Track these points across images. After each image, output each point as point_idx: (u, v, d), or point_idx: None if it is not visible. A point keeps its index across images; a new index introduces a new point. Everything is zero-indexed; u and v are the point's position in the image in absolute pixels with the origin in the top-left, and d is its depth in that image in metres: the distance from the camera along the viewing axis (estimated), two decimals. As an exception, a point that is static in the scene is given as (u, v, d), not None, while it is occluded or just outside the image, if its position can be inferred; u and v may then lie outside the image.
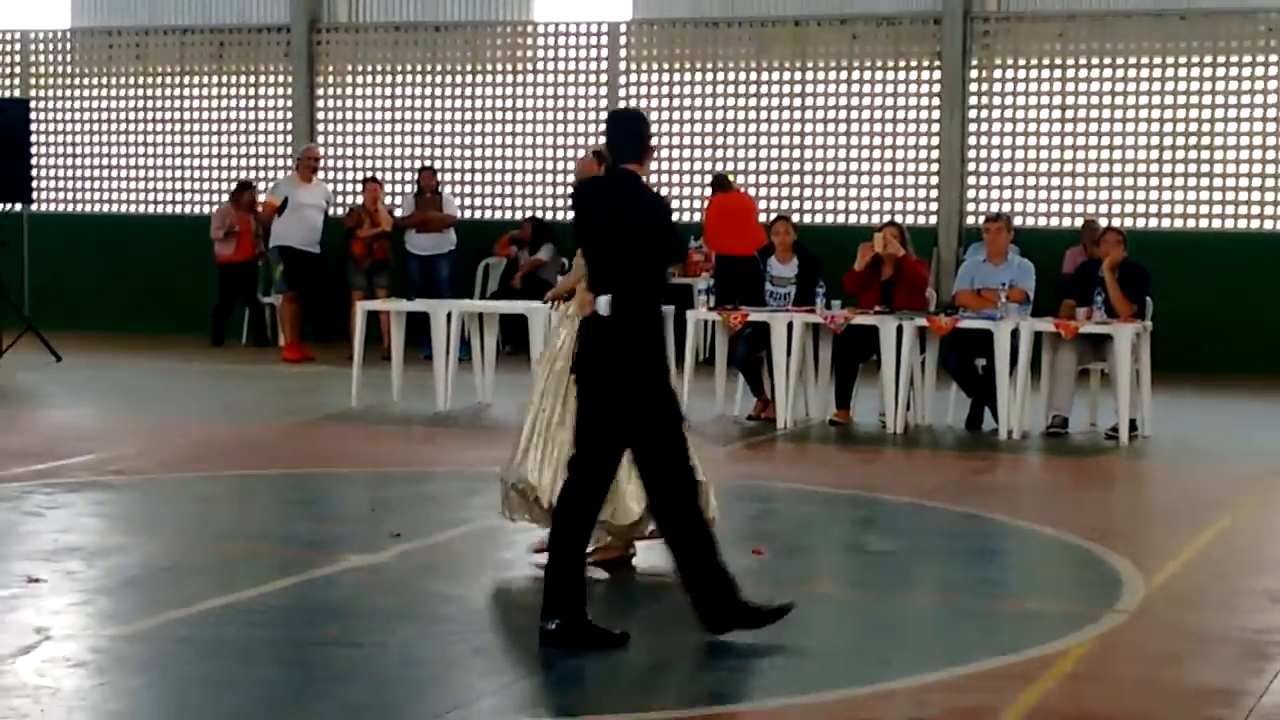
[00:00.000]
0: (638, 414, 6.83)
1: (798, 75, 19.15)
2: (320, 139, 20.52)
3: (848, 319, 13.04)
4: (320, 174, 18.65)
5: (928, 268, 14.56)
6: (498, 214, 20.13)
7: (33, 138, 19.08)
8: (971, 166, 18.70)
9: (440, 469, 11.17)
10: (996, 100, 18.66)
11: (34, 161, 19.37)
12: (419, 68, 20.47)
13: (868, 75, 18.95)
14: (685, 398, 13.22)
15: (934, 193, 18.76)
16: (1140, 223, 17.97)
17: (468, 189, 20.25)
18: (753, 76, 19.31)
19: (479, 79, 20.28)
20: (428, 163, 19.56)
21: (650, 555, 8.33)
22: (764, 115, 19.13)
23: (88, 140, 21.71)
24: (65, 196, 21.86)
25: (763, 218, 16.71)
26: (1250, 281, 17.67)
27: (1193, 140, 18.04)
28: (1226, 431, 13.78)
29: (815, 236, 16.17)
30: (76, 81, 21.75)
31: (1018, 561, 9.01)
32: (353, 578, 7.91)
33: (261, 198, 19.27)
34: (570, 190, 7.47)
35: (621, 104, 19.71)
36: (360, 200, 18.81)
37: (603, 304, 6.81)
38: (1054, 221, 18.47)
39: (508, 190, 20.21)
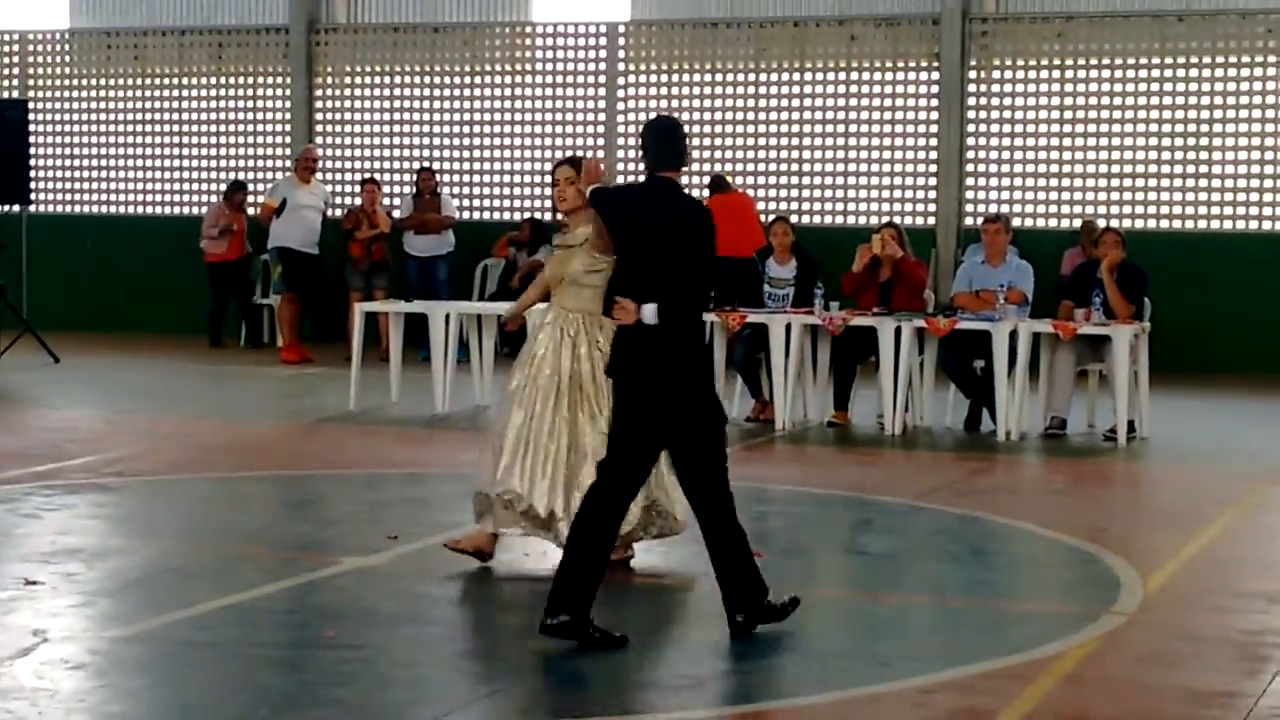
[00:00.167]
0: (682, 420, 6.85)
1: (796, 76, 19.16)
2: (319, 140, 20.52)
3: (846, 320, 13.04)
4: (319, 175, 18.65)
5: (926, 269, 14.56)
6: (496, 215, 20.13)
7: (31, 139, 19.08)
8: (970, 167, 18.71)
9: (438, 471, 11.17)
10: (995, 101, 18.66)
11: (32, 163, 19.36)
12: (417, 69, 20.47)
13: (866, 76, 18.95)
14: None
15: (932, 194, 18.76)
16: (1139, 224, 17.98)
17: (466, 190, 20.25)
18: (751, 77, 19.31)
19: (477, 80, 20.29)
20: (426, 164, 19.56)
21: (649, 557, 8.34)
22: (762, 116, 19.13)
23: (86, 141, 21.70)
24: (64, 198, 21.86)
25: (761, 219, 16.71)
26: (1248, 282, 17.68)
27: (1191, 141, 18.05)
28: (1225, 433, 13.78)
29: (813, 237, 16.16)
30: (75, 82, 21.75)
31: (1016, 563, 9.01)
32: (350, 580, 7.91)
33: (257, 199, 19.29)
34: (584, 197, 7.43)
35: (620, 105, 19.73)
36: (358, 201, 18.81)
37: (649, 312, 6.79)
38: (1052, 223, 18.48)
39: (506, 191, 20.21)
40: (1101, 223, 16.82)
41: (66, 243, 21.31)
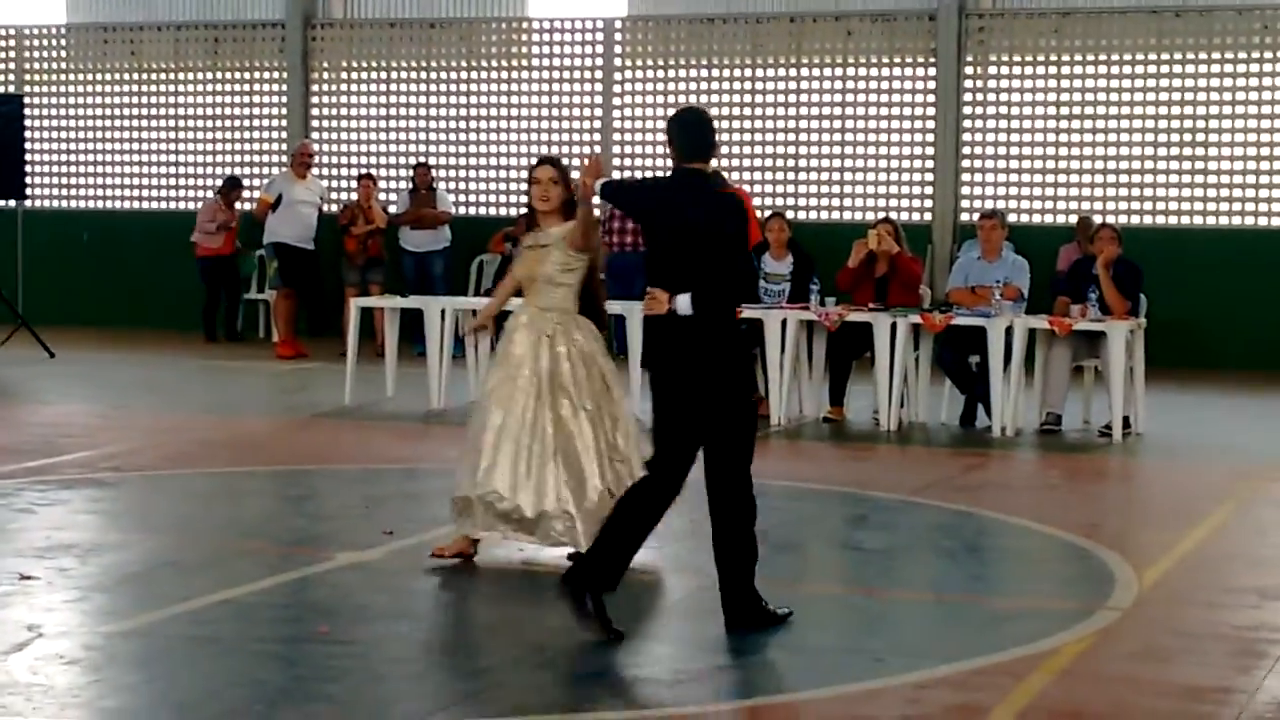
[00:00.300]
0: (713, 414, 6.86)
1: (792, 71, 19.16)
2: (314, 135, 20.51)
3: (842, 316, 13.04)
4: (314, 170, 18.65)
5: (922, 265, 14.56)
6: (492, 210, 20.13)
7: (27, 134, 19.08)
8: (966, 163, 18.72)
9: (433, 466, 11.16)
10: (991, 97, 18.67)
11: (28, 158, 19.36)
12: (414, 64, 20.46)
13: (862, 71, 18.96)
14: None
15: (928, 189, 18.77)
16: (1135, 219, 17.99)
17: (462, 185, 20.25)
18: (747, 73, 19.31)
19: (474, 75, 20.29)
20: (422, 159, 19.55)
21: (643, 554, 8.33)
22: (759, 112, 19.13)
23: (82, 136, 21.70)
24: (59, 193, 21.84)
25: (757, 214, 16.71)
26: (1244, 278, 17.69)
27: (1187, 137, 18.06)
28: (1220, 428, 13.79)
29: (809, 233, 16.17)
30: (71, 77, 21.75)
31: (1011, 558, 9.01)
32: (345, 575, 7.91)
33: (253, 195, 19.29)
34: (600, 188, 7.44)
35: (616, 100, 19.73)
36: (354, 197, 18.81)
37: (683, 303, 6.81)
38: (1048, 218, 18.50)
39: (502, 187, 20.21)
40: (1097, 218, 16.85)
41: (62, 238, 21.31)
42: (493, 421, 7.97)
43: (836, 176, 19.03)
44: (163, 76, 21.36)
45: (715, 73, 19.42)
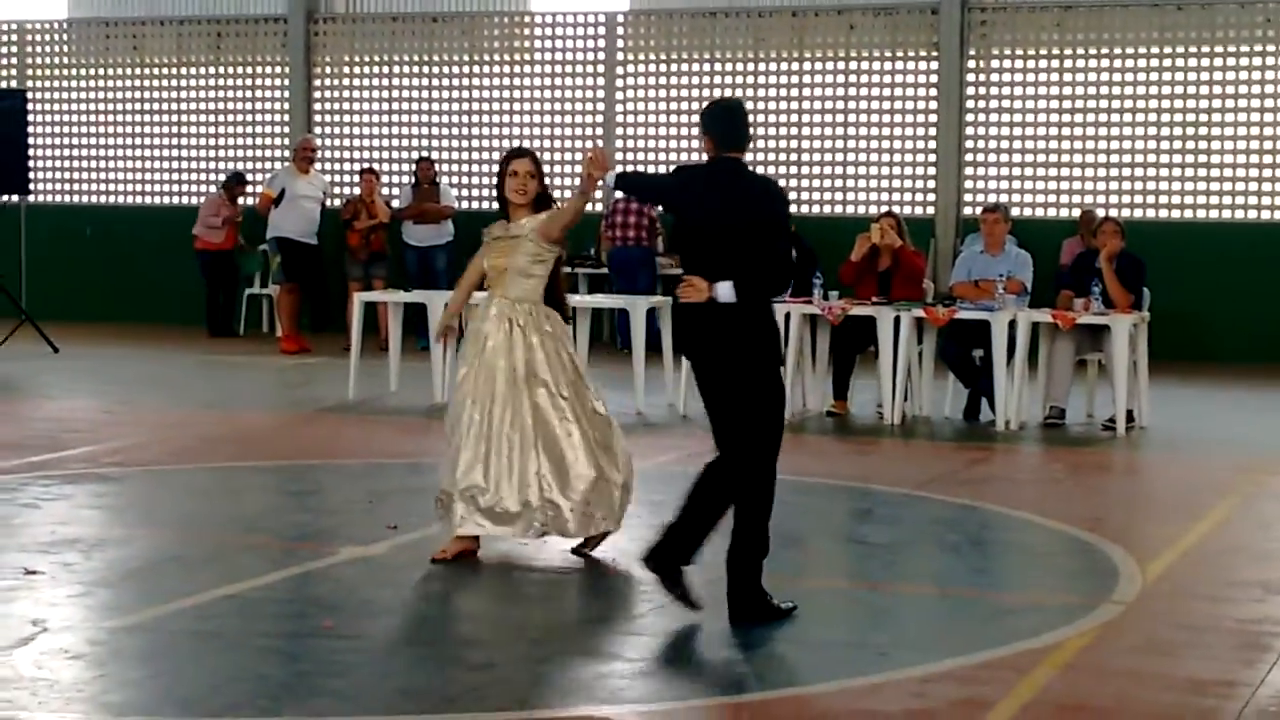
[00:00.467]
0: (753, 399, 6.94)
1: (795, 65, 19.16)
2: (317, 130, 20.51)
3: (845, 310, 13.04)
4: (317, 165, 18.64)
5: (925, 258, 14.56)
6: (495, 205, 20.05)
7: (30, 129, 19.07)
8: (969, 157, 18.71)
9: (437, 460, 11.13)
10: (994, 90, 18.66)
11: (31, 153, 19.36)
12: (416, 58, 20.46)
13: (865, 65, 18.96)
14: (684, 388, 13.29)
15: (931, 183, 18.76)
16: (1138, 213, 17.99)
17: (465, 180, 20.24)
18: (750, 67, 19.31)
19: (476, 69, 20.29)
20: (425, 154, 19.55)
21: (640, 547, 8.33)
22: (761, 105, 19.12)
23: (85, 131, 21.71)
24: (62, 188, 21.85)
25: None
26: (1248, 272, 17.69)
27: (1190, 131, 18.05)
28: (1223, 422, 13.79)
29: (813, 227, 16.17)
30: (73, 72, 21.74)
31: (1015, 553, 9.01)
32: (349, 570, 7.92)
33: (255, 190, 19.30)
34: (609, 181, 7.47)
35: (619, 94, 19.73)
36: (357, 191, 18.81)
37: (725, 290, 6.85)
38: (1051, 212, 18.49)
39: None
40: (1100, 212, 16.84)
41: (65, 233, 21.31)
42: (469, 415, 7.94)
43: (839, 170, 19.03)
44: (165, 71, 21.36)
45: (718, 66, 19.41)
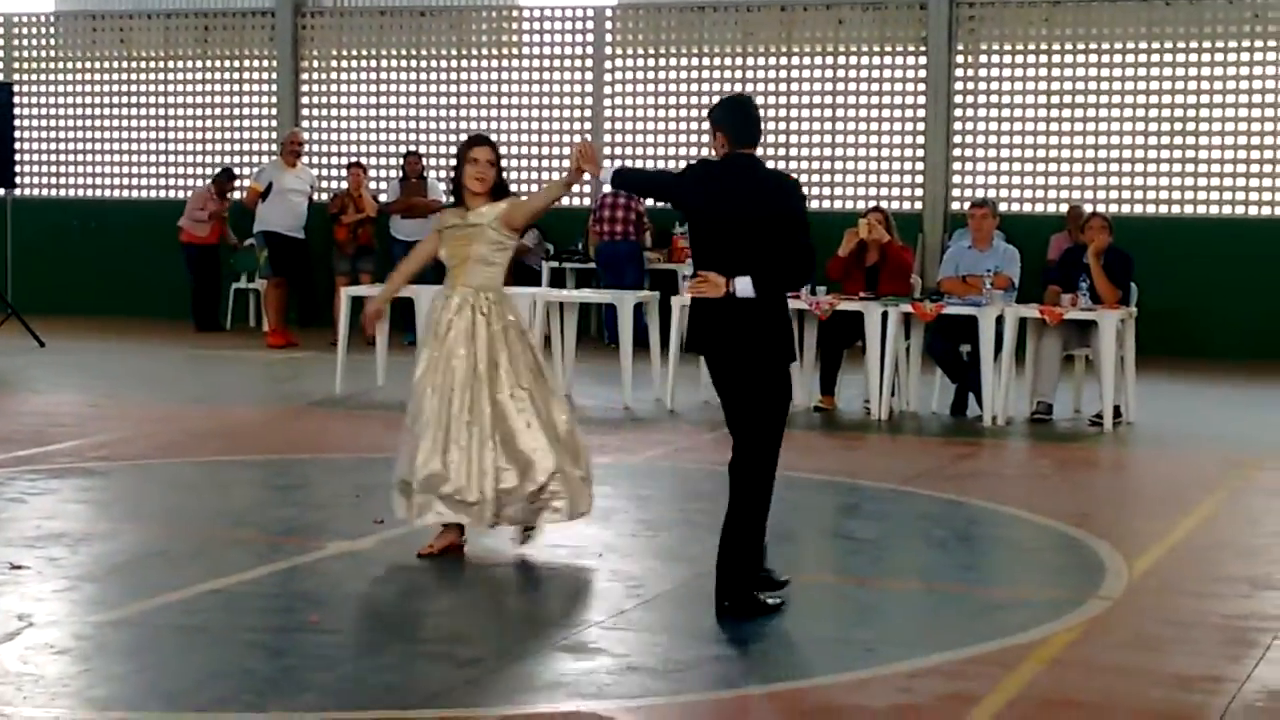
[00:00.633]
0: (765, 395, 6.99)
1: (783, 60, 19.16)
2: (305, 124, 20.49)
3: (832, 305, 13.04)
4: (304, 159, 18.61)
5: (913, 253, 14.56)
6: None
7: (16, 122, 19.03)
8: (957, 152, 18.72)
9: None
10: (982, 86, 18.67)
11: (17, 146, 19.32)
12: (404, 52, 20.44)
13: (853, 60, 18.97)
14: (671, 384, 13.28)
15: (919, 178, 18.77)
16: (1125, 209, 18.01)
17: (452, 174, 20.19)
18: (738, 61, 19.31)
19: (464, 63, 20.27)
20: (413, 148, 19.53)
21: (635, 543, 8.33)
22: (749, 100, 19.08)
23: (71, 125, 21.67)
24: (49, 181, 21.81)
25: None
26: (1235, 267, 17.72)
27: (1178, 126, 18.07)
28: (1210, 417, 13.80)
29: (800, 222, 16.13)
30: (60, 65, 21.70)
31: (1001, 548, 9.01)
32: (336, 564, 7.91)
33: (243, 184, 19.27)
34: (604, 179, 7.49)
35: (607, 88, 19.72)
36: (345, 185, 18.78)
37: (744, 285, 6.88)
38: (1039, 207, 18.51)
39: (493, 175, 20.14)
40: (1088, 208, 16.86)
41: (52, 227, 21.28)
42: (429, 404, 7.89)
43: (827, 165, 19.03)
44: (152, 65, 21.32)
45: (706, 61, 19.41)
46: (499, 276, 8.08)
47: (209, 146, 21.13)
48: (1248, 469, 11.21)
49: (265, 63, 20.95)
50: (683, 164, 19.04)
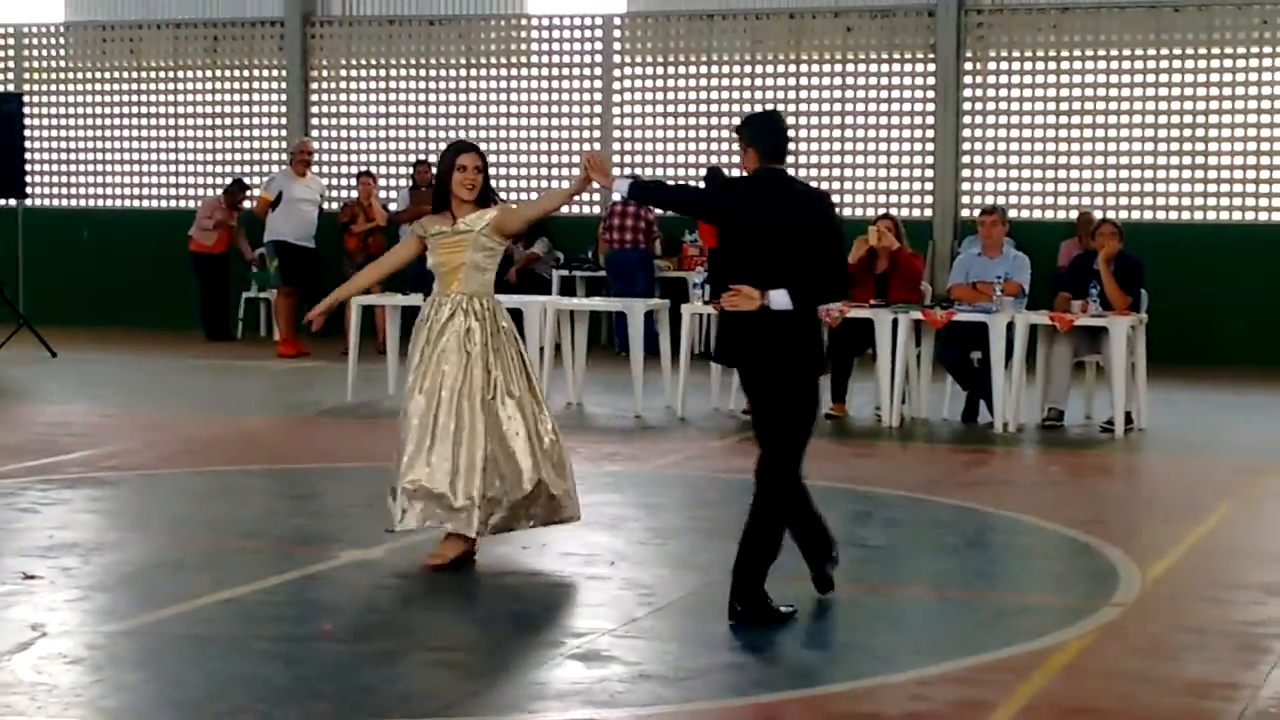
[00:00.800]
0: (795, 404, 7.06)
1: (792, 68, 19.16)
2: (314, 133, 20.50)
3: (843, 312, 13.03)
4: (314, 168, 18.63)
5: (923, 261, 14.55)
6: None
7: (26, 133, 19.06)
8: (966, 159, 18.71)
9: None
10: (991, 93, 18.66)
11: (27, 156, 19.34)
12: (413, 61, 20.45)
13: (862, 68, 18.96)
14: (681, 392, 13.28)
15: (929, 185, 18.77)
16: (1135, 215, 17.99)
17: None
18: (747, 69, 19.31)
19: (473, 73, 20.28)
20: (422, 156, 19.54)
21: (650, 550, 8.32)
22: (758, 108, 19.06)
23: (81, 135, 21.69)
24: (59, 192, 21.84)
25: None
26: (1245, 273, 17.69)
27: (1188, 133, 18.05)
28: (1222, 424, 13.78)
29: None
30: (70, 76, 21.73)
31: (1014, 555, 9.00)
32: (348, 573, 7.91)
33: (253, 194, 19.29)
34: (614, 195, 7.54)
35: (615, 97, 19.73)
36: (354, 195, 18.79)
37: (780, 298, 6.95)
38: (1049, 214, 18.49)
39: (501, 184, 20.18)
40: (1098, 214, 16.83)
41: (62, 237, 21.30)
42: (417, 408, 7.87)
43: (836, 173, 19.02)
44: (162, 75, 21.35)
45: (714, 69, 19.41)
46: (491, 283, 8.07)
47: (219, 156, 21.15)
48: (1260, 475, 11.19)
49: (275, 72, 20.97)
50: (693, 172, 19.15)
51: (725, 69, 19.36)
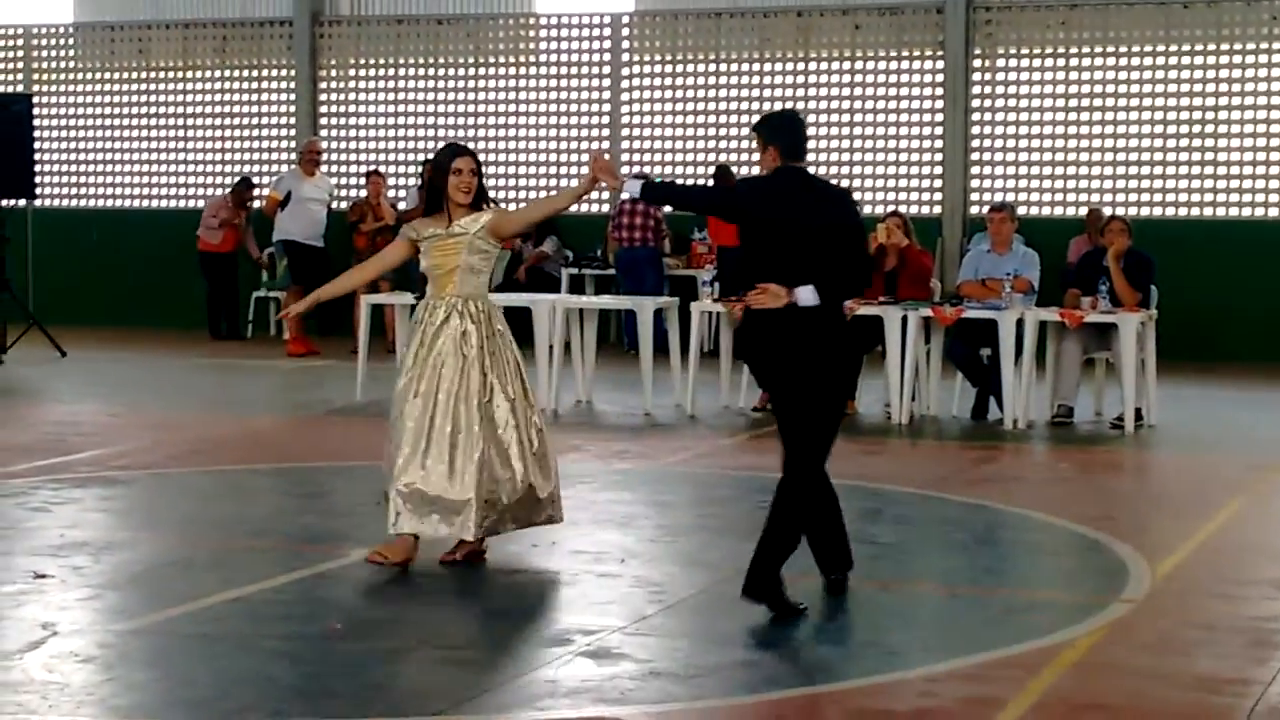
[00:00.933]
0: (826, 399, 7.15)
1: (800, 65, 19.16)
2: (323, 132, 20.52)
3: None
4: (323, 167, 18.64)
5: (932, 258, 14.54)
6: (501, 206, 20.09)
7: (36, 133, 19.08)
8: (975, 156, 18.70)
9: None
10: (1000, 89, 18.65)
11: (37, 157, 19.37)
12: (421, 60, 20.47)
13: (870, 65, 18.96)
14: (691, 389, 13.28)
15: (938, 182, 18.76)
16: (1144, 211, 17.98)
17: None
18: (755, 67, 19.31)
19: (482, 71, 20.29)
20: (430, 156, 19.51)
21: (661, 548, 8.32)
22: (767, 106, 19.10)
23: (91, 135, 21.72)
24: (68, 192, 21.86)
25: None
26: (1255, 270, 17.67)
27: (1197, 129, 18.04)
28: (1232, 420, 13.77)
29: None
30: (79, 76, 21.76)
31: (1024, 551, 9.00)
32: (357, 571, 7.90)
33: (262, 193, 19.30)
34: (621, 194, 7.56)
35: (624, 95, 19.73)
36: (363, 194, 18.80)
37: (807, 294, 7.01)
38: (1058, 210, 18.48)
39: (511, 183, 20.20)
40: (1107, 210, 16.84)
41: (71, 237, 21.33)
42: (411, 411, 7.83)
43: (845, 170, 19.01)
44: (171, 75, 21.38)
45: (723, 67, 19.41)
46: (485, 285, 8.06)
47: (227, 156, 21.17)
48: (1270, 471, 11.18)
49: (283, 72, 20.99)
50: (702, 170, 19.15)
51: (734, 67, 19.36)
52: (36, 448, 11.47)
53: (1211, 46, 17.97)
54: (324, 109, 20.85)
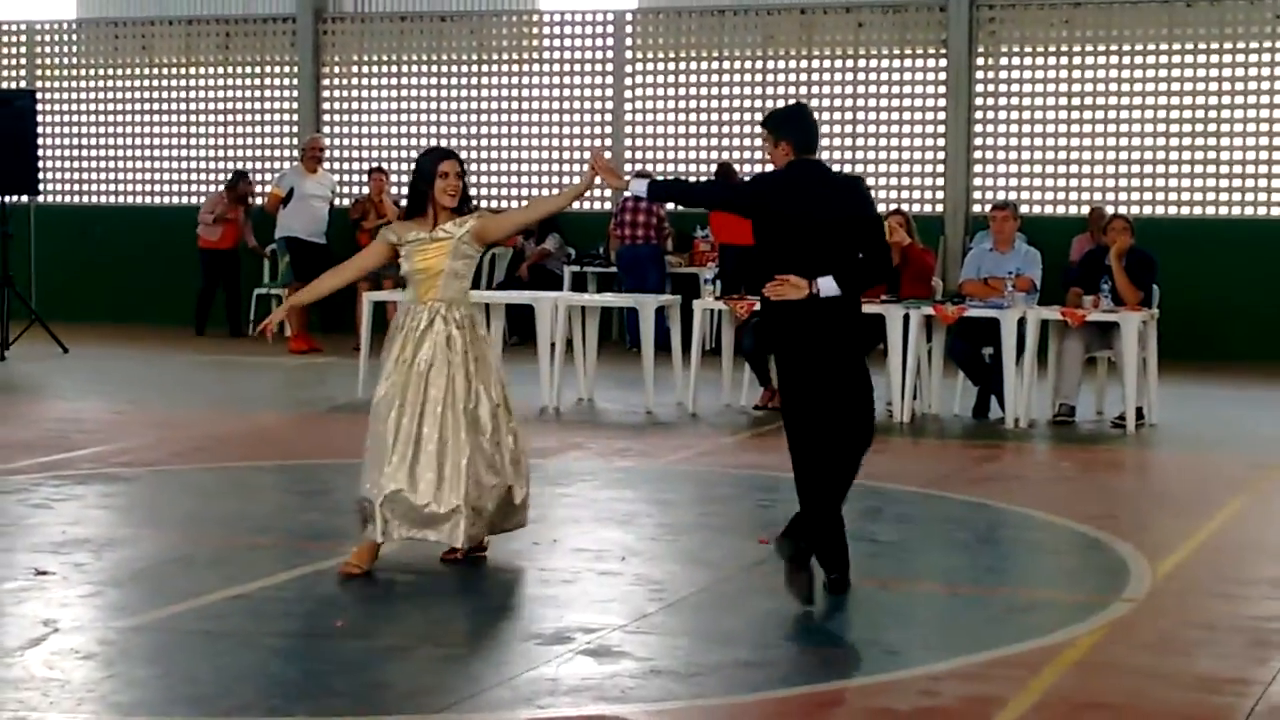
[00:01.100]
0: (860, 384, 7.27)
1: (803, 63, 19.16)
2: (326, 129, 20.53)
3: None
4: (325, 164, 18.64)
5: (934, 256, 14.54)
6: (504, 204, 20.12)
7: (39, 129, 19.07)
8: (978, 154, 18.70)
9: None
10: (1003, 88, 18.65)
11: (40, 153, 19.37)
12: (425, 57, 20.47)
13: (873, 63, 18.95)
14: (693, 388, 13.28)
15: (940, 181, 18.75)
16: (1147, 210, 17.97)
17: (473, 179, 20.23)
18: (758, 65, 19.31)
19: (485, 68, 20.30)
20: (427, 155, 19.52)
21: (661, 547, 8.32)
22: (770, 104, 19.09)
23: (94, 132, 21.72)
24: (71, 188, 21.87)
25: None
26: (1257, 269, 17.67)
27: (1199, 128, 18.03)
28: (1233, 419, 13.77)
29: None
30: (82, 73, 21.76)
31: (1025, 550, 9.00)
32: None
33: (263, 189, 19.30)
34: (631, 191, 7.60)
35: (627, 93, 19.73)
36: (366, 191, 18.81)
37: (828, 285, 7.11)
38: (1060, 209, 18.48)
39: (514, 180, 20.21)
40: (1110, 209, 16.83)
41: (74, 233, 21.33)
42: (398, 418, 7.78)
43: (848, 168, 19.00)
44: (174, 71, 21.38)
45: (726, 65, 19.41)
46: (468, 290, 8.03)
47: (230, 153, 21.18)
48: (1272, 470, 11.18)
49: (286, 68, 20.99)
50: (704, 167, 19.14)
51: (737, 64, 19.36)
52: (38, 444, 11.47)
53: (1214, 45, 17.96)
54: (327, 105, 20.86)
